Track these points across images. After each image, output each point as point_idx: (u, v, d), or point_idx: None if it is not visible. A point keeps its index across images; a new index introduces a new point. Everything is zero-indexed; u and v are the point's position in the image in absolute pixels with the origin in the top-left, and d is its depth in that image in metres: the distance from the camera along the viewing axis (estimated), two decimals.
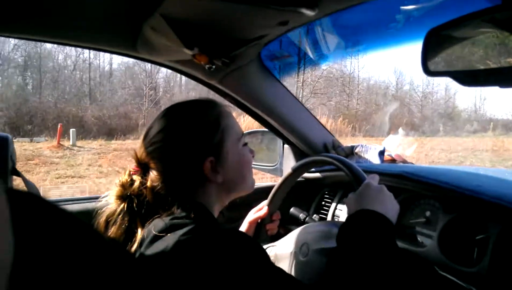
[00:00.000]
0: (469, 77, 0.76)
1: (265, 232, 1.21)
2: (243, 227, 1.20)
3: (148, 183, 0.86)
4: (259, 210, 1.22)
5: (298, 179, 1.28)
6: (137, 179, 0.87)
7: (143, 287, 0.54)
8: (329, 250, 0.96)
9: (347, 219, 0.86)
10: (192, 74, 1.30)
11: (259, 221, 1.20)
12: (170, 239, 0.73)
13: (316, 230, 1.06)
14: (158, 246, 0.74)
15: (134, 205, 0.84)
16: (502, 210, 0.89)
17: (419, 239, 1.15)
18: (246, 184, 0.98)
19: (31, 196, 0.33)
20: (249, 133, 1.93)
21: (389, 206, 0.89)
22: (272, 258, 1.13)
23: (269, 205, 1.21)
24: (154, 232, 0.76)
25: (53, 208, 0.34)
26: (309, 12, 0.80)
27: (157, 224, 0.79)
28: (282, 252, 1.11)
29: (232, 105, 1.45)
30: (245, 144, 0.98)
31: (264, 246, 1.17)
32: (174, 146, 0.87)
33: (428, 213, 1.16)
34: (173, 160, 0.87)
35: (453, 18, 0.74)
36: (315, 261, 1.00)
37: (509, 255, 0.86)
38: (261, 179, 3.37)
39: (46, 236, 0.31)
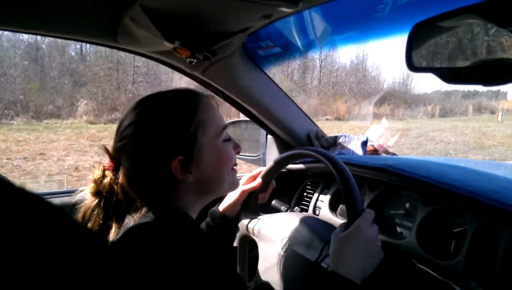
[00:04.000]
0: (451, 74, 0.77)
1: (256, 200, 1.22)
2: (234, 195, 1.18)
3: (120, 180, 0.83)
4: (253, 179, 1.21)
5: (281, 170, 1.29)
6: (108, 175, 0.84)
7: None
8: (307, 261, 1.00)
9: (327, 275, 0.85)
10: (174, 64, 1.28)
11: (251, 191, 1.20)
12: (125, 241, 0.74)
13: (300, 229, 1.09)
14: (116, 246, 0.75)
15: (107, 202, 0.82)
16: (479, 205, 0.90)
17: (398, 230, 1.17)
18: (225, 184, 0.91)
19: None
20: (233, 123, 1.92)
21: (371, 256, 0.87)
22: (255, 232, 1.17)
23: (264, 176, 1.21)
24: (123, 230, 0.77)
25: (21, 192, 0.33)
26: (291, 8, 0.79)
27: (127, 222, 0.79)
28: (265, 232, 1.15)
29: (216, 96, 1.44)
30: (228, 139, 0.92)
31: (249, 219, 1.21)
32: (141, 143, 0.82)
33: (407, 205, 1.18)
34: (141, 157, 0.82)
35: (440, 13, 0.74)
36: (290, 262, 1.04)
37: (485, 249, 0.88)
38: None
39: (15, 220, 0.30)
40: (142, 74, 19.46)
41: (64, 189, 1.54)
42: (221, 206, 1.19)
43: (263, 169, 1.23)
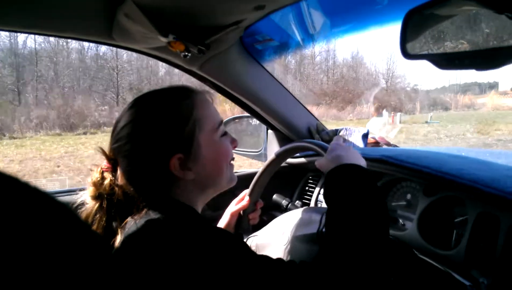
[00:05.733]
0: (444, 60, 0.76)
1: (247, 222, 1.20)
2: (225, 219, 1.17)
3: (119, 181, 0.82)
4: (241, 201, 1.19)
5: (282, 165, 1.27)
6: (107, 176, 0.82)
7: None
8: (309, 235, 0.96)
9: (327, 177, 0.87)
10: (171, 60, 1.28)
11: (241, 212, 1.18)
12: (132, 241, 0.73)
13: (296, 218, 1.07)
14: (124, 246, 0.73)
15: (108, 204, 0.81)
16: (480, 194, 0.89)
17: (400, 222, 1.16)
18: (224, 179, 0.91)
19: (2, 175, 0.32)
20: (233, 119, 1.91)
21: (358, 156, 0.91)
22: (253, 248, 1.14)
23: (250, 195, 1.19)
24: (124, 234, 0.75)
25: (26, 187, 0.32)
26: None
27: (128, 224, 0.77)
28: (262, 241, 1.11)
29: (213, 91, 1.44)
30: (224, 133, 0.91)
31: (246, 237, 1.17)
32: (138, 143, 0.81)
33: (409, 196, 1.17)
34: (138, 158, 0.81)
35: None
36: (294, 247, 1.00)
37: (486, 238, 0.87)
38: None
39: (19, 215, 0.30)
40: None
41: (66, 188, 1.54)
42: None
43: (248, 189, 1.21)
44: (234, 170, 0.97)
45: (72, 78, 21.96)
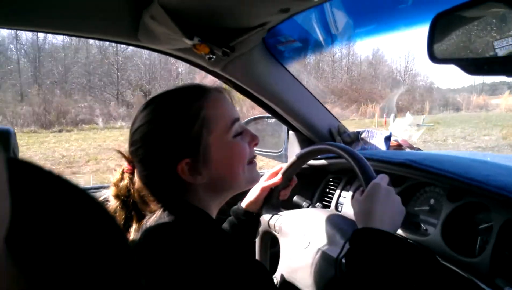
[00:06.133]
0: (473, 66, 0.74)
1: (277, 197, 1.22)
2: (254, 192, 1.17)
3: (136, 184, 0.82)
4: (273, 176, 1.20)
5: (303, 166, 1.28)
6: (126, 178, 0.83)
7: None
8: (329, 257, 0.99)
9: (353, 236, 0.82)
10: (194, 61, 1.29)
11: (272, 187, 1.20)
12: (143, 244, 0.74)
13: (319, 225, 1.09)
14: (136, 249, 0.74)
15: (126, 205, 0.83)
16: (506, 201, 0.87)
17: (423, 227, 1.14)
18: (240, 181, 0.86)
19: (31, 164, 0.33)
20: (254, 119, 1.92)
21: (395, 210, 0.86)
22: (277, 228, 1.17)
23: (284, 173, 1.21)
24: (136, 236, 0.77)
25: (54, 176, 0.33)
26: (307, 1, 0.78)
27: (144, 226, 0.78)
28: (287, 230, 1.15)
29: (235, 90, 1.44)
30: (239, 133, 0.86)
31: (271, 215, 1.21)
32: (149, 147, 0.79)
33: (432, 201, 1.15)
34: (149, 162, 0.80)
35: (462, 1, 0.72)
36: (313, 257, 1.03)
37: (511, 247, 0.85)
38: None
39: (45, 202, 0.31)
40: None
41: (91, 185, 1.57)
42: (244, 203, 1.19)
43: (284, 166, 1.22)
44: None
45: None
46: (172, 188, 0.81)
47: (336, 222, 1.10)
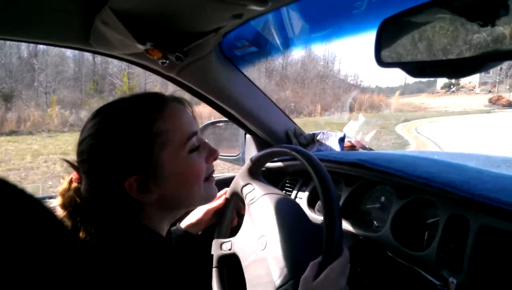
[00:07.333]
0: (417, 69, 0.79)
1: (227, 226, 1.20)
2: (197, 214, 1.14)
3: (83, 194, 0.77)
4: (217, 198, 1.19)
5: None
6: (72, 188, 0.78)
7: None
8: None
9: None
10: (148, 66, 1.28)
11: (216, 210, 1.18)
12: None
13: (272, 220, 1.08)
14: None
15: (72, 215, 0.78)
16: (451, 196, 0.93)
17: (375, 224, 1.19)
18: (194, 199, 0.82)
19: None
20: (212, 123, 1.92)
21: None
22: (231, 252, 1.14)
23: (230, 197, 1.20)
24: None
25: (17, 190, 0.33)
26: (260, 7, 0.79)
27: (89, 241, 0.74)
28: (241, 246, 1.12)
29: (193, 96, 1.44)
30: (196, 148, 0.80)
31: (222, 241, 1.18)
32: (94, 161, 0.74)
33: (382, 199, 1.20)
34: (95, 177, 0.75)
35: (410, 7, 0.75)
36: (272, 252, 1.01)
37: (456, 239, 0.91)
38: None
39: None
40: None
41: (40, 195, 1.51)
42: (184, 223, 1.15)
43: (229, 189, 1.21)
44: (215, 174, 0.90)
45: None
46: (119, 204, 0.76)
47: (284, 210, 1.08)
